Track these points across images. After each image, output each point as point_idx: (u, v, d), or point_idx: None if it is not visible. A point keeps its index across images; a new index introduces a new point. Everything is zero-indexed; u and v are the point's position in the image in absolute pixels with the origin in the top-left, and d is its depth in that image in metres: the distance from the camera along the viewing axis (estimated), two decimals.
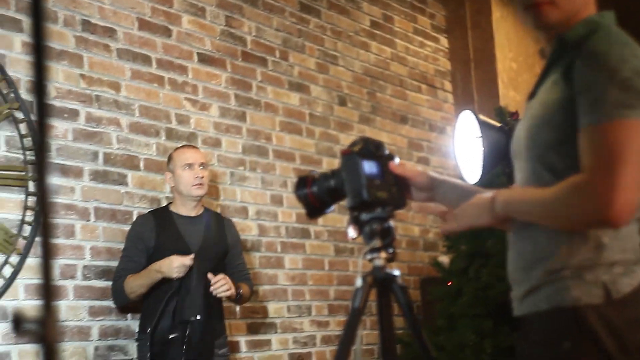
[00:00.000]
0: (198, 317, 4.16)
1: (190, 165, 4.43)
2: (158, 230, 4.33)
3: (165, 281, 4.21)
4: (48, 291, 1.27)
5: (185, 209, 4.47)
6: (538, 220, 2.01)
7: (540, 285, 2.00)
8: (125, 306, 4.47)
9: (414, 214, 6.60)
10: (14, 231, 4.13)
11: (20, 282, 4.11)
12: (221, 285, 4.25)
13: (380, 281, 2.45)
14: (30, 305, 4.05)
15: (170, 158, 4.53)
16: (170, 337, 4.14)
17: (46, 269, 1.28)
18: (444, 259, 5.86)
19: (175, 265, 4.17)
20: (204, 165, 4.48)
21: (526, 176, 2.08)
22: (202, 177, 4.44)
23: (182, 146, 4.60)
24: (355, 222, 2.51)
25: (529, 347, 2.06)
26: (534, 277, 2.02)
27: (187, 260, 4.19)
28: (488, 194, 2.13)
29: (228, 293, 4.28)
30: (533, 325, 2.03)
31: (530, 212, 2.03)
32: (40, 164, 1.33)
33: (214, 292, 4.24)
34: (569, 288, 1.95)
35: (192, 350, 4.13)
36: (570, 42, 2.03)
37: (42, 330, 1.25)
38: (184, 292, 4.20)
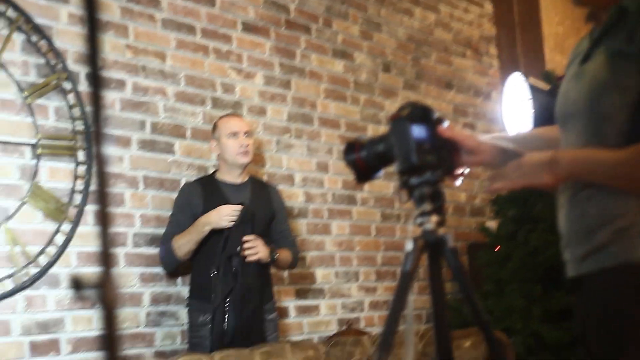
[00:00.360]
0: (238, 249, 4.19)
1: (235, 134, 4.45)
2: (205, 198, 4.36)
3: (211, 246, 4.24)
4: (106, 255, 1.29)
5: (231, 176, 4.50)
6: (605, 181, 2.00)
7: (606, 244, 1.99)
8: (174, 271, 4.51)
9: None
10: (65, 200, 4.18)
11: (72, 250, 4.17)
12: (249, 248, 4.27)
13: (431, 245, 2.44)
14: (83, 272, 4.11)
15: (215, 126, 4.55)
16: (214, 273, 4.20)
17: (104, 235, 1.30)
18: (492, 224, 5.84)
19: (224, 213, 4.21)
20: (248, 133, 4.50)
21: (586, 138, 2.07)
22: (247, 145, 4.46)
23: (226, 115, 4.61)
24: (405, 186, 2.50)
25: (590, 305, 2.06)
26: (598, 237, 2.01)
27: (236, 207, 4.23)
28: (544, 153, 2.10)
29: (256, 257, 4.29)
30: (595, 283, 2.02)
31: (599, 173, 2.01)
32: (95, 135, 1.34)
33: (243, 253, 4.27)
34: (637, 246, 1.94)
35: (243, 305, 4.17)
36: (631, 11, 2.02)
37: (102, 294, 1.27)
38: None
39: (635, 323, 1.94)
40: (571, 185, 2.09)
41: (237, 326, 4.18)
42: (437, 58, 6.66)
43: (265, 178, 5.12)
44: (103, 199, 1.32)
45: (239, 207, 4.26)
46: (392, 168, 2.51)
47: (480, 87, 7.02)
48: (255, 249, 4.28)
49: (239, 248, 4.22)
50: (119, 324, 1.23)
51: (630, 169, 1.93)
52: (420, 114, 2.49)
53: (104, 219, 1.31)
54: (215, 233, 4.25)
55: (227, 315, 4.19)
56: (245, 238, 4.28)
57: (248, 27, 5.24)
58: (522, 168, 2.17)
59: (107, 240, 1.30)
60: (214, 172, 4.59)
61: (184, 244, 4.30)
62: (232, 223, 4.23)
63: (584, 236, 2.06)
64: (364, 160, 2.59)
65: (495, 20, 7.38)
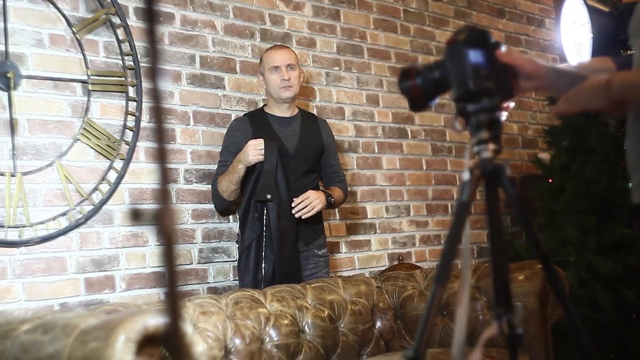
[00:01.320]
0: (268, 196, 4.17)
1: (276, 68, 4.39)
2: (254, 133, 4.32)
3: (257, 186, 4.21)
4: (164, 191, 1.28)
5: (280, 110, 4.45)
6: None
7: None
8: (227, 209, 4.51)
9: (512, 111, 6.46)
10: (117, 137, 4.18)
11: (124, 186, 4.18)
12: (301, 208, 4.24)
13: (488, 173, 2.39)
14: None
15: (260, 60, 4.50)
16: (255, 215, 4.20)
17: (163, 172, 1.28)
18: (545, 156, 5.75)
19: (250, 149, 4.18)
20: (291, 66, 4.42)
21: None
22: (289, 79, 4.39)
23: (270, 47, 4.54)
24: (462, 113, 2.44)
25: None
26: None
27: (260, 141, 4.19)
28: (603, 76, 2.04)
29: (311, 213, 4.27)
30: None
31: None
32: (149, 70, 1.33)
33: (297, 215, 4.23)
34: None
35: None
36: None
37: (161, 229, 1.25)
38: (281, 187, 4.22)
39: None
40: (636, 111, 2.02)
41: (274, 270, 4.16)
42: None
43: (315, 111, 5.07)
44: (159, 135, 1.30)
45: (262, 142, 4.20)
46: (448, 96, 2.46)
47: (533, 14, 6.86)
48: (309, 205, 4.26)
49: (269, 195, 4.17)
50: (176, 259, 1.22)
51: None
52: (478, 38, 2.41)
53: (161, 155, 1.29)
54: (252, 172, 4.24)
55: (262, 262, 4.17)
56: (297, 200, 4.25)
57: None
58: (581, 91, 2.12)
59: (165, 176, 1.28)
60: (263, 106, 4.55)
61: (227, 185, 4.29)
62: (261, 157, 4.18)
63: None
64: (419, 87, 2.53)
65: None
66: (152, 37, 1.32)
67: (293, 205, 4.24)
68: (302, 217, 4.25)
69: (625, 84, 1.99)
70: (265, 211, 4.17)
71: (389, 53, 5.64)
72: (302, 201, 4.25)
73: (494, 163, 2.38)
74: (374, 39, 5.56)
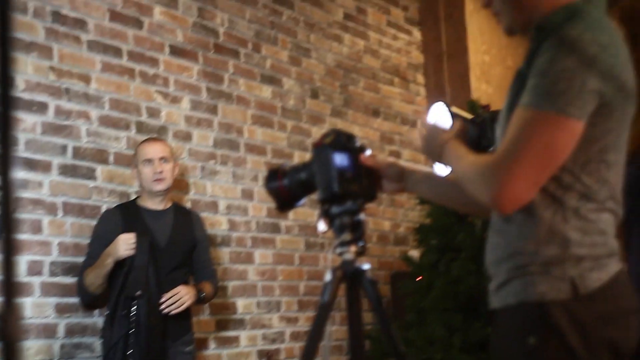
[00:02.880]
0: (139, 293, 4.06)
1: (149, 161, 4.37)
2: (125, 225, 4.26)
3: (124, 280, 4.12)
4: (10, 288, 1.24)
5: (152, 203, 4.42)
6: (457, 179, 2.06)
7: (510, 280, 1.99)
8: (91, 304, 4.38)
9: (384, 208, 6.59)
10: None
11: None
12: (170, 303, 4.19)
13: (349, 275, 2.43)
14: None
15: (135, 153, 4.49)
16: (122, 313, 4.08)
17: (8, 265, 1.25)
18: (415, 253, 5.85)
19: (121, 243, 4.10)
20: (164, 159, 4.40)
21: None
22: (162, 172, 4.37)
23: (144, 140, 4.52)
24: (326, 215, 2.49)
25: (499, 340, 2.06)
26: (504, 271, 2.01)
27: (131, 235, 4.12)
28: (447, 135, 2.18)
29: (181, 309, 4.22)
30: (502, 319, 2.03)
31: (455, 170, 2.08)
32: (4, 158, 1.30)
33: (165, 310, 4.17)
34: (536, 283, 1.93)
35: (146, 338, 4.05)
36: (547, 28, 2.02)
37: (4, 327, 1.22)
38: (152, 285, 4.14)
39: None
40: (493, 215, 2.10)
41: None
42: (365, 85, 6.68)
43: (188, 205, 5.06)
44: (9, 226, 1.27)
45: (134, 236, 4.13)
46: (315, 196, 2.50)
47: (407, 114, 7.06)
48: (179, 301, 4.20)
49: (139, 292, 4.06)
50: (23, 357, 1.18)
51: (469, 176, 1.98)
52: (343, 141, 2.48)
53: (8, 248, 1.26)
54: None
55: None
56: (166, 295, 4.19)
57: (176, 51, 5.19)
58: (432, 133, 2.23)
59: (11, 269, 1.25)
60: (136, 198, 4.51)
61: (93, 278, 4.16)
62: (132, 252, 4.10)
63: (495, 268, 2.06)
64: (286, 188, 2.57)
65: (423, 48, 7.45)
66: (6, 123, 1.30)
67: (162, 300, 4.17)
68: (171, 313, 4.19)
69: (451, 149, 2.12)
70: (134, 308, 4.07)
71: (265, 148, 5.69)
72: (172, 296, 4.20)
73: (355, 265, 2.43)
74: (251, 134, 5.61)
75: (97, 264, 4.16)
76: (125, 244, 4.09)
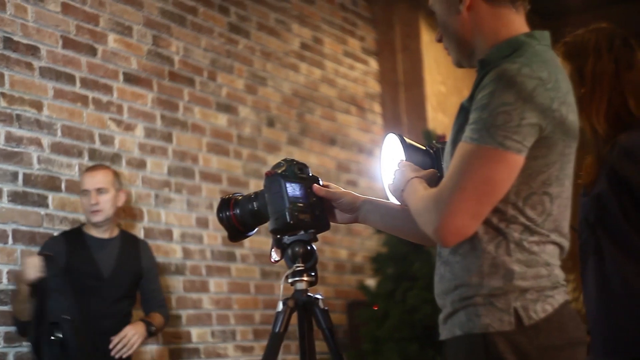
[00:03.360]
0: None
1: (86, 192, 4.29)
2: (69, 253, 4.17)
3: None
4: None
5: (97, 231, 4.33)
6: (411, 208, 2.08)
7: (456, 311, 2.00)
8: (24, 332, 4.13)
9: (342, 237, 6.58)
10: None
11: None
12: (120, 348, 4.11)
13: (301, 305, 2.42)
14: None
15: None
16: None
17: None
18: (371, 282, 5.85)
19: (27, 266, 3.89)
20: (101, 190, 4.28)
21: None
22: (97, 204, 4.25)
23: (87, 168, 4.45)
24: (278, 245, 2.48)
25: None
26: (450, 303, 2.02)
27: (37, 258, 3.93)
28: (416, 172, 2.19)
29: (131, 351, 4.14)
30: (450, 350, 2.03)
31: (409, 204, 2.09)
32: None
33: (117, 357, 4.08)
34: (480, 315, 1.95)
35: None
36: (489, 62, 2.04)
37: None
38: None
39: None
40: (438, 246, 2.11)
41: None
42: (321, 114, 6.69)
43: (142, 233, 5.00)
44: None
45: (40, 258, 3.94)
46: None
47: (364, 143, 7.08)
48: (128, 344, 4.12)
49: (65, 316, 3.87)
50: None
51: (416, 209, 2.02)
52: (296, 171, 2.47)
53: None
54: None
55: None
56: (114, 339, 4.10)
57: (130, 78, 5.15)
58: (396, 178, 2.23)
59: None
60: (82, 225, 4.43)
61: (16, 304, 4.03)
62: (40, 274, 3.87)
63: (442, 300, 2.08)
64: (238, 217, 2.56)
65: (380, 78, 7.50)
66: None
67: (111, 346, 4.08)
68: (123, 357, 4.10)
69: (412, 184, 2.12)
70: (60, 333, 3.89)
71: (220, 176, 5.66)
72: (120, 341, 4.11)
73: (307, 294, 2.43)
74: (206, 162, 5.58)
75: (15, 291, 4.06)
76: (31, 267, 3.89)
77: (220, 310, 5.48)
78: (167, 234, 5.23)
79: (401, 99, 7.40)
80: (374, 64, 7.45)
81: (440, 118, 7.32)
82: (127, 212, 4.91)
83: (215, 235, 5.52)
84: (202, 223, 5.47)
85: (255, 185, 5.81)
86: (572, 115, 2.00)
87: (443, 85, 7.57)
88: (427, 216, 1.95)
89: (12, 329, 4.24)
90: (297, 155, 6.22)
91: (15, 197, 4.40)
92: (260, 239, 5.78)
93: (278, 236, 2.48)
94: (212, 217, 5.50)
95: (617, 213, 2.69)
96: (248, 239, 5.01)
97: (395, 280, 5.46)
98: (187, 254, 5.33)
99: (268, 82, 6.22)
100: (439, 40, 2.21)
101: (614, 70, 2.75)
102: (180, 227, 5.32)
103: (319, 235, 2.49)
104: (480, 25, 2.10)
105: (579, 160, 2.10)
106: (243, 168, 5.86)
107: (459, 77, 7.76)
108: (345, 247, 6.64)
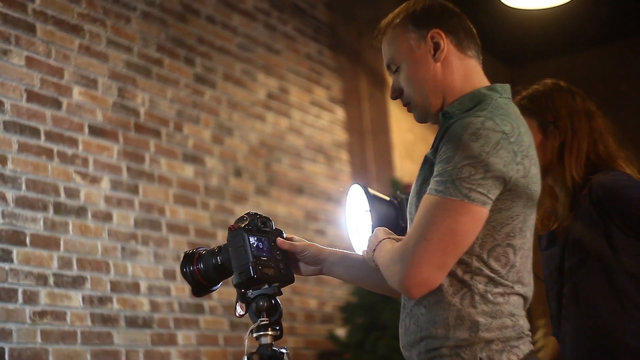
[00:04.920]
0: None
1: None
2: None
3: None
4: None
5: None
6: (379, 264, 2.10)
7: None
8: None
9: (311, 287, 6.55)
10: None
11: None
12: None
13: (267, 359, 2.41)
14: None
15: None
16: None
17: None
18: (341, 332, 5.82)
19: None
20: None
21: None
22: None
23: None
24: (242, 299, 2.48)
25: None
26: (417, 355, 2.02)
27: None
28: (388, 235, 2.19)
29: None
30: None
31: (378, 260, 2.11)
32: None
33: None
34: None
35: None
36: (453, 115, 2.06)
37: None
38: None
39: None
40: (403, 297, 2.12)
41: None
42: (289, 163, 6.70)
43: (108, 286, 4.95)
44: None
45: None
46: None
47: (332, 192, 7.08)
48: None
49: None
50: None
51: (384, 263, 2.04)
52: (259, 225, 2.48)
53: None
54: None
55: None
56: None
57: (95, 131, 5.13)
58: (370, 241, 2.24)
59: None
60: None
61: None
62: None
63: (408, 351, 2.08)
64: (201, 272, 2.56)
65: (347, 126, 7.53)
66: None
67: None
68: None
69: (382, 244, 2.13)
70: None
71: (187, 228, 5.63)
72: None
73: (272, 349, 2.42)
74: (173, 214, 5.55)
75: None
76: None
77: None
78: (134, 287, 5.18)
79: (368, 147, 7.43)
80: (340, 112, 7.49)
81: (407, 166, 7.35)
82: (93, 265, 4.86)
83: (182, 287, 5.47)
84: (170, 275, 5.42)
85: (223, 236, 5.75)
86: (534, 168, 2.02)
87: (410, 132, 7.61)
88: (393, 268, 1.96)
89: None
90: (265, 205, 6.21)
91: None
92: (228, 290, 5.71)
93: (242, 290, 2.48)
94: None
95: (607, 251, 2.75)
96: (216, 290, 5.00)
97: (365, 330, 5.44)
98: (154, 306, 5.28)
99: (235, 133, 6.22)
100: (396, 98, 2.23)
101: (586, 120, 2.88)
102: (147, 280, 5.27)
103: (288, 285, 2.49)
104: (451, 76, 2.12)
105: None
106: (210, 219, 5.84)
107: (426, 125, 7.78)
108: (314, 296, 6.61)
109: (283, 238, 2.47)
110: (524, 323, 2.02)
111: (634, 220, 2.72)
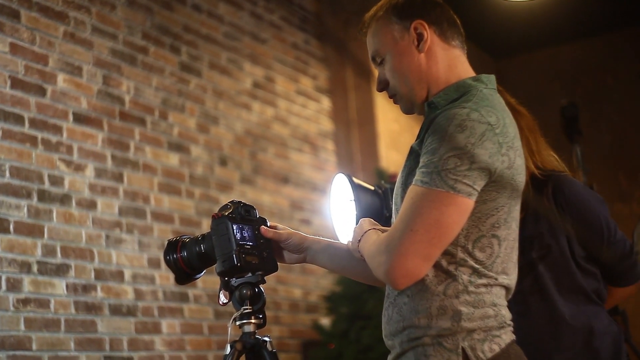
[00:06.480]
0: None
1: None
2: None
3: None
4: None
5: None
6: (366, 259, 2.10)
7: (404, 352, 2.03)
8: None
9: (295, 276, 6.55)
10: None
11: None
12: None
13: (249, 347, 2.41)
14: None
15: None
16: None
17: None
18: (325, 321, 5.83)
19: None
20: None
21: None
22: None
23: None
24: (226, 287, 2.48)
25: None
26: (399, 344, 2.03)
27: None
28: (372, 226, 2.20)
29: None
30: None
31: (363, 251, 2.12)
32: None
33: None
34: (429, 355, 1.97)
35: None
36: (438, 106, 2.07)
37: None
38: None
39: None
40: (387, 287, 2.12)
41: None
42: (274, 153, 6.69)
43: (92, 274, 4.94)
44: None
45: None
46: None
47: (317, 182, 7.08)
48: None
49: None
50: None
51: (370, 253, 2.06)
52: (243, 213, 2.48)
53: None
54: None
55: None
56: None
57: (80, 118, 5.11)
58: (355, 232, 2.25)
59: None
60: None
61: None
62: None
63: (391, 340, 2.09)
64: (185, 260, 2.56)
65: (333, 116, 7.52)
66: None
67: None
68: None
69: (365, 236, 2.14)
70: None
71: (172, 216, 5.63)
72: None
73: (255, 337, 2.41)
74: (158, 202, 5.54)
75: None
76: None
77: (173, 351, 5.41)
78: (119, 275, 5.17)
79: (354, 137, 7.43)
80: (326, 102, 7.48)
81: (393, 156, 7.35)
82: (77, 253, 4.84)
83: (167, 276, 5.47)
84: (154, 263, 5.41)
85: (208, 225, 5.73)
86: (519, 160, 2.03)
87: (396, 122, 7.61)
88: (379, 258, 1.96)
89: None
90: (250, 194, 6.20)
91: None
92: (213, 279, 5.71)
93: (226, 278, 2.47)
94: None
95: (564, 250, 2.76)
96: (200, 279, 5.00)
97: (349, 320, 5.45)
98: (138, 295, 5.27)
99: (220, 121, 6.21)
100: (382, 90, 2.23)
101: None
102: (131, 268, 5.26)
103: (272, 274, 2.49)
104: (436, 66, 2.13)
105: None
106: (195, 208, 5.83)
107: (412, 115, 7.80)
108: (299, 286, 6.61)
109: (267, 226, 2.47)
110: (506, 313, 2.03)
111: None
